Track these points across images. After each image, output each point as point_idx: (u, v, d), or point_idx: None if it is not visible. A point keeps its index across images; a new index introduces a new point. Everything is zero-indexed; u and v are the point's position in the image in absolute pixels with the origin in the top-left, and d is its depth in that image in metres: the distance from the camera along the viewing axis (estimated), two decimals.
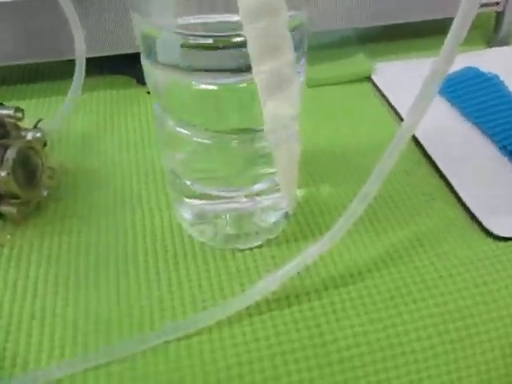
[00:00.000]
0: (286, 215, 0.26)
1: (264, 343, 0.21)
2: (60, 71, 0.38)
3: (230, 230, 0.25)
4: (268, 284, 0.21)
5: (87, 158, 0.31)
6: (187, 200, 0.25)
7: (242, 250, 0.25)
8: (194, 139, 0.21)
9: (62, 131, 0.32)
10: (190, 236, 0.26)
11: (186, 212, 0.25)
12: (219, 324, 0.21)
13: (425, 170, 0.29)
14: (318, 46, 0.42)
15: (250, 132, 0.21)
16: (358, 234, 0.26)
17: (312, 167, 0.30)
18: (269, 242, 0.25)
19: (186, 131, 0.21)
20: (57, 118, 0.30)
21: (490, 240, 0.25)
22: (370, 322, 0.22)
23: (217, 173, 0.23)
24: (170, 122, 0.21)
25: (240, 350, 0.21)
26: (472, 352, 0.21)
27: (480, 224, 0.26)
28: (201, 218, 0.25)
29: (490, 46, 0.42)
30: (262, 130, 0.20)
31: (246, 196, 0.23)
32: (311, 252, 0.21)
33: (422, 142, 0.31)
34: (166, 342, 0.21)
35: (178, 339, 0.21)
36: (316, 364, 0.20)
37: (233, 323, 0.21)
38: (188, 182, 0.23)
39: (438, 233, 0.26)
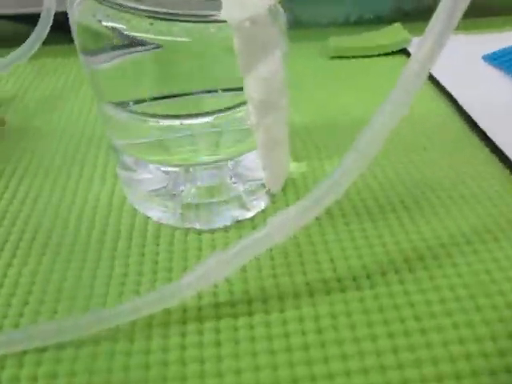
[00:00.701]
0: (269, 190, 0.18)
1: (194, 369, 0.13)
2: None
3: (191, 196, 0.17)
4: (204, 275, 0.13)
5: (39, 117, 0.25)
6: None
7: (200, 232, 0.17)
8: (127, 33, 0.14)
9: (17, 93, 0.27)
10: (133, 210, 0.18)
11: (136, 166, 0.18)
12: (127, 331, 0.14)
13: (478, 152, 0.21)
14: (352, 22, 0.35)
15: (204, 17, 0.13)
16: (375, 226, 0.17)
17: (319, 139, 0.22)
18: (239, 224, 0.18)
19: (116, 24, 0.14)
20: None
21: None
22: (358, 357, 0.13)
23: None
24: (93, 19, 0.14)
25: (140, 375, 0.13)
26: None
27: None
28: (156, 181, 0.18)
29: None
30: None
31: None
32: (272, 227, 0.13)
33: (476, 119, 0.22)
34: (43, 350, 0.13)
35: (59, 347, 0.13)
36: None
37: (146, 332, 0.14)
38: (150, 121, 0.16)
39: (493, 227, 0.17)
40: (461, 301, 0.14)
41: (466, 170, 0.20)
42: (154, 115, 0.15)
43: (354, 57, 0.30)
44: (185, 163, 0.17)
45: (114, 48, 0.14)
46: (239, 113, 0.15)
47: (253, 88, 0.15)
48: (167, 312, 0.14)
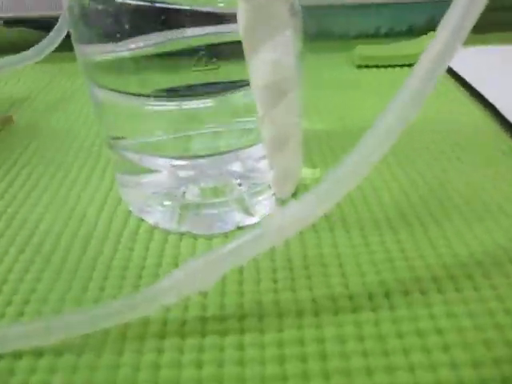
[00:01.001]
0: (274, 194, 0.16)
1: None
2: None
3: (192, 196, 0.15)
4: (189, 278, 0.11)
5: (47, 118, 0.24)
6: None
7: (196, 238, 0.15)
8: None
9: (30, 95, 0.26)
10: (127, 212, 0.17)
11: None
12: (96, 342, 0.12)
13: None
14: (383, 34, 0.33)
15: None
16: (393, 238, 0.15)
17: (338, 145, 0.20)
18: (241, 231, 0.16)
19: None
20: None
21: None
22: None
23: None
24: None
25: None
26: None
27: None
28: (159, 182, 0.16)
29: None
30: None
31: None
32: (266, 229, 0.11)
33: None
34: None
35: (15, 356, 0.11)
36: None
37: (118, 344, 0.12)
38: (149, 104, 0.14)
39: None
40: (502, 330, 0.12)
41: (507, 183, 0.17)
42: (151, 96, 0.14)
43: (381, 66, 0.28)
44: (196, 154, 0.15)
45: (108, 36, 0.13)
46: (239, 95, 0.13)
47: (258, 71, 0.13)
48: (145, 323, 0.12)
